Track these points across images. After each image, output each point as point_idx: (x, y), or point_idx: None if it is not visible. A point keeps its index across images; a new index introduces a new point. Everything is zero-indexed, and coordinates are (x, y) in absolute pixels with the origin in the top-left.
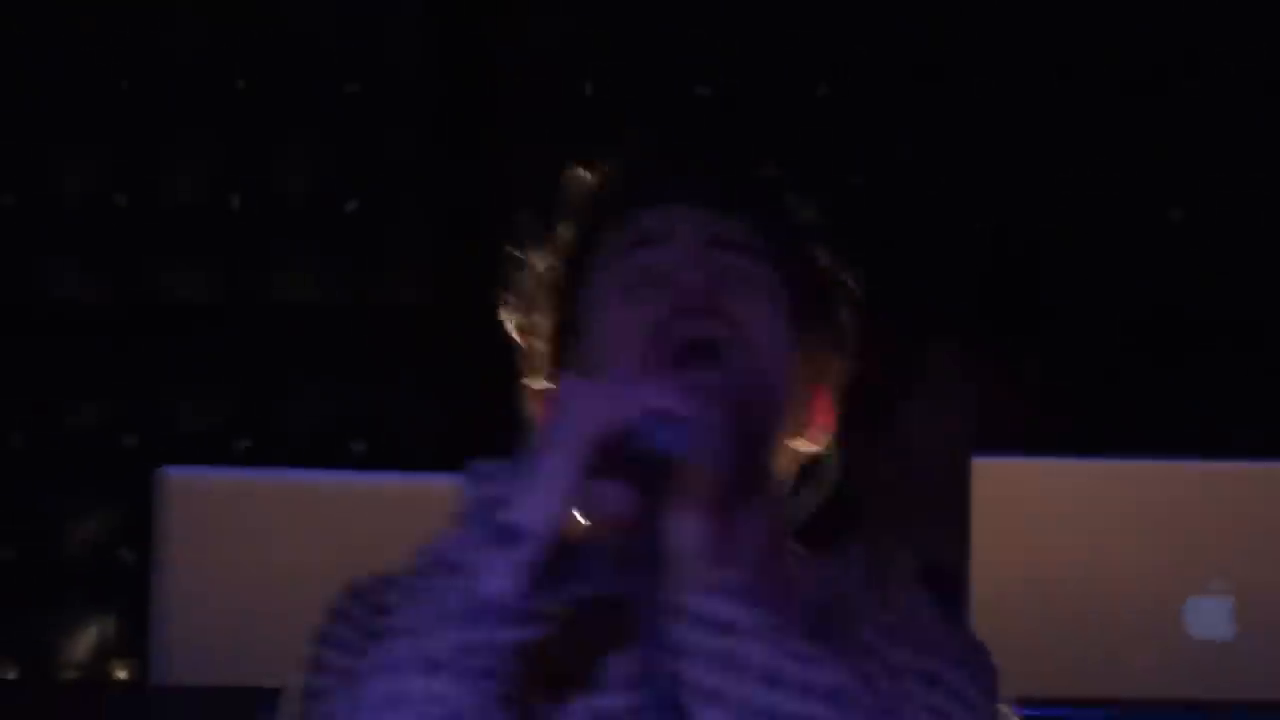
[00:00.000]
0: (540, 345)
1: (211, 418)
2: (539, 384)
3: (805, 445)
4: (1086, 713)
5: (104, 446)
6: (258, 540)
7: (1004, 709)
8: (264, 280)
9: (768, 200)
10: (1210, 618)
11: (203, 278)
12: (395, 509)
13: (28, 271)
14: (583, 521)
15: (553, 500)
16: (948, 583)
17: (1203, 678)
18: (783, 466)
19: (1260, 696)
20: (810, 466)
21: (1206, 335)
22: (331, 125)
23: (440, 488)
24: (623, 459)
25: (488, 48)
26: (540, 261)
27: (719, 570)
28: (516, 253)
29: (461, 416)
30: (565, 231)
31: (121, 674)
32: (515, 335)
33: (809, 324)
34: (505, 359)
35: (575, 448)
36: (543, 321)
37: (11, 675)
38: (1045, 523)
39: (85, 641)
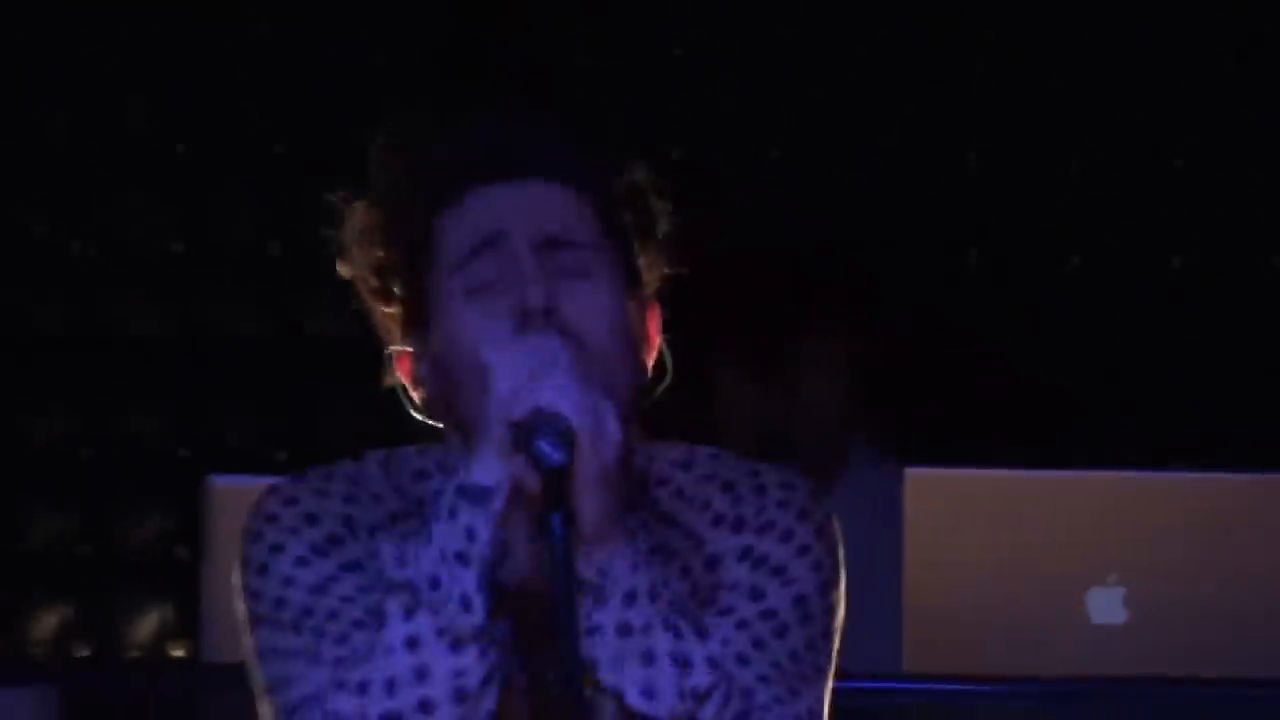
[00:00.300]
0: (389, 315)
1: (252, 433)
2: (395, 350)
3: (648, 366)
4: (1003, 687)
5: (161, 458)
6: None
7: (839, 586)
8: (298, 316)
9: (576, 149)
10: (1107, 605)
11: (247, 313)
12: None
13: (97, 307)
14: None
15: (501, 465)
16: None
17: (1101, 656)
18: (633, 394)
19: (1148, 672)
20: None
21: (1100, 361)
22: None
23: None
24: (527, 443)
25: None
26: (374, 233)
27: (609, 535)
28: (351, 219)
29: None
30: (395, 202)
31: (177, 652)
32: (364, 301)
33: (635, 258)
34: None
35: (498, 427)
36: (388, 293)
37: (84, 653)
38: (968, 523)
39: (147, 625)
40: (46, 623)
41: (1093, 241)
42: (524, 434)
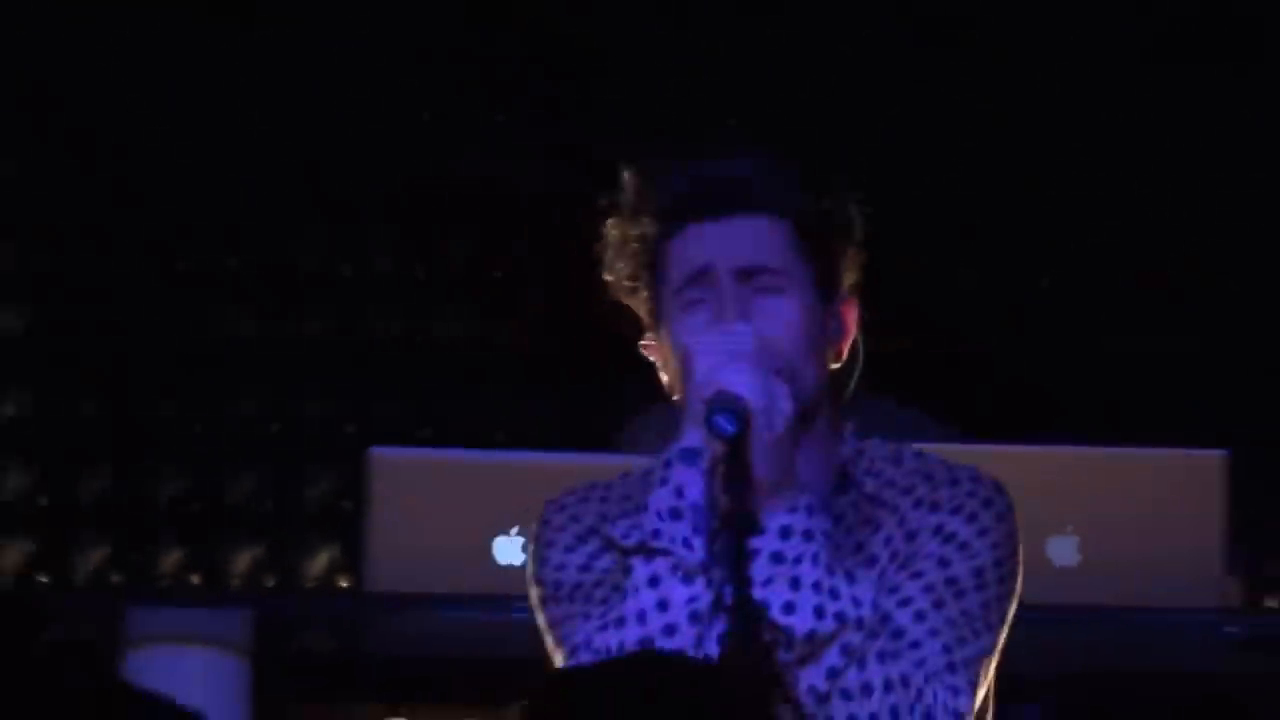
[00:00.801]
0: (639, 313)
1: (401, 413)
2: (646, 341)
3: (842, 356)
4: None
5: (332, 432)
6: (433, 494)
7: (1017, 555)
8: (433, 325)
9: (784, 185)
10: (1064, 551)
11: (395, 324)
12: (520, 475)
13: (284, 319)
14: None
15: (701, 433)
16: None
17: (1059, 591)
18: (828, 382)
19: (1096, 602)
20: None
21: (1065, 362)
22: (480, 221)
23: (553, 462)
24: (709, 417)
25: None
26: (623, 252)
27: (781, 491)
28: (609, 235)
29: (568, 412)
30: (638, 226)
31: (344, 583)
32: (621, 301)
33: (834, 270)
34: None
35: (697, 405)
36: (635, 299)
37: (272, 584)
38: None
39: (320, 562)
40: (242, 560)
41: (1061, 267)
42: (709, 410)
